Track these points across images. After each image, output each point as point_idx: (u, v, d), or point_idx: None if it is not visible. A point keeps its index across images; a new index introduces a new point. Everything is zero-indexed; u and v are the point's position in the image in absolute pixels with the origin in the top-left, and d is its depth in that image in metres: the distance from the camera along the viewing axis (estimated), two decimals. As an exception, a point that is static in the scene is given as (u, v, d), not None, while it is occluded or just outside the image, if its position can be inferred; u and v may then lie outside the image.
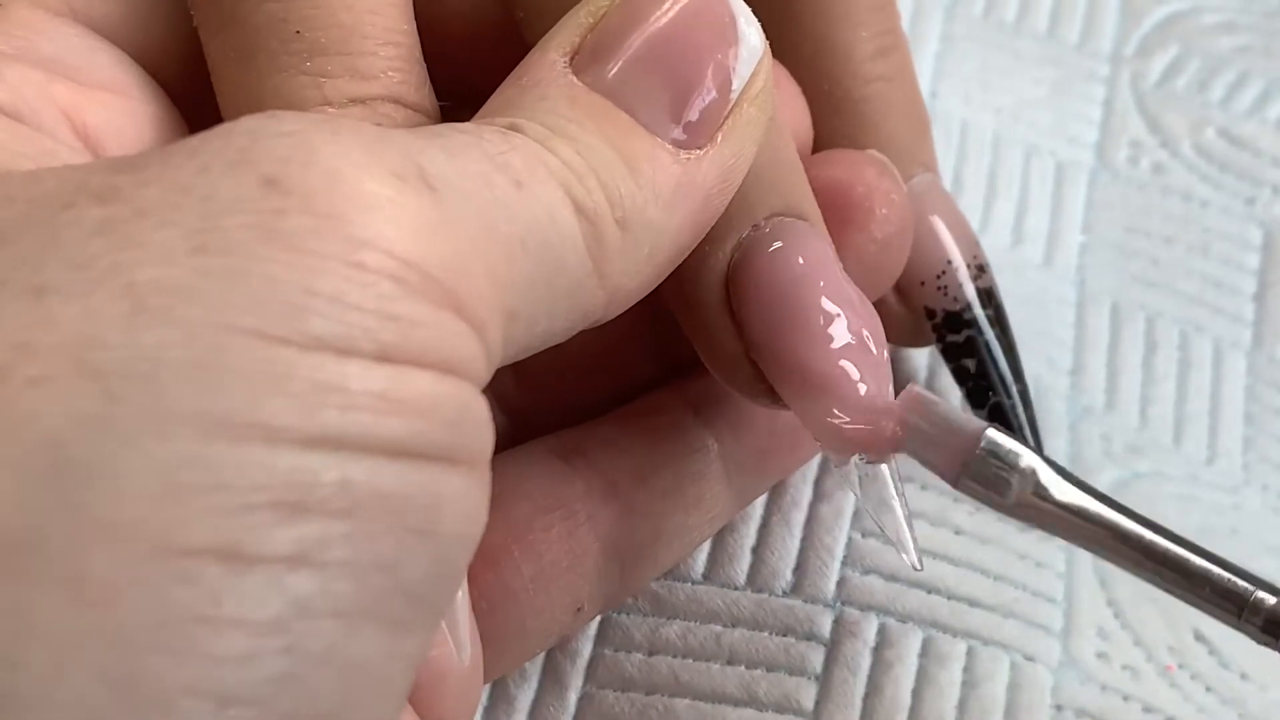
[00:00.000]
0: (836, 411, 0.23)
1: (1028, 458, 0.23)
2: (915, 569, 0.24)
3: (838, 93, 0.28)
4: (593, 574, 0.26)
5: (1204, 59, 0.38)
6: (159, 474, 0.15)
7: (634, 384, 0.27)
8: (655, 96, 0.21)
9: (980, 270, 0.30)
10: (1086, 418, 0.32)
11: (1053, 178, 0.36)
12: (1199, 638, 0.29)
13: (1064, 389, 0.33)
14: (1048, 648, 0.29)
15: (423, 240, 0.17)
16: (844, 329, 0.23)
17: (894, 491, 0.24)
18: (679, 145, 0.21)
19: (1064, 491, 0.23)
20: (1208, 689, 0.29)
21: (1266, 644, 0.23)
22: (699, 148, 0.21)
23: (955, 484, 0.23)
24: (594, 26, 0.21)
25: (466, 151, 0.19)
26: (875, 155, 0.27)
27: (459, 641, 0.22)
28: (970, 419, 0.24)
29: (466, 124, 0.20)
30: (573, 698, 0.28)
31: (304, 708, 0.16)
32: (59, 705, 0.14)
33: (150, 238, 0.16)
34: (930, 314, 0.30)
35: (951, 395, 0.31)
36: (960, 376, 0.30)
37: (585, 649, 0.29)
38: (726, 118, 0.21)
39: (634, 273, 0.20)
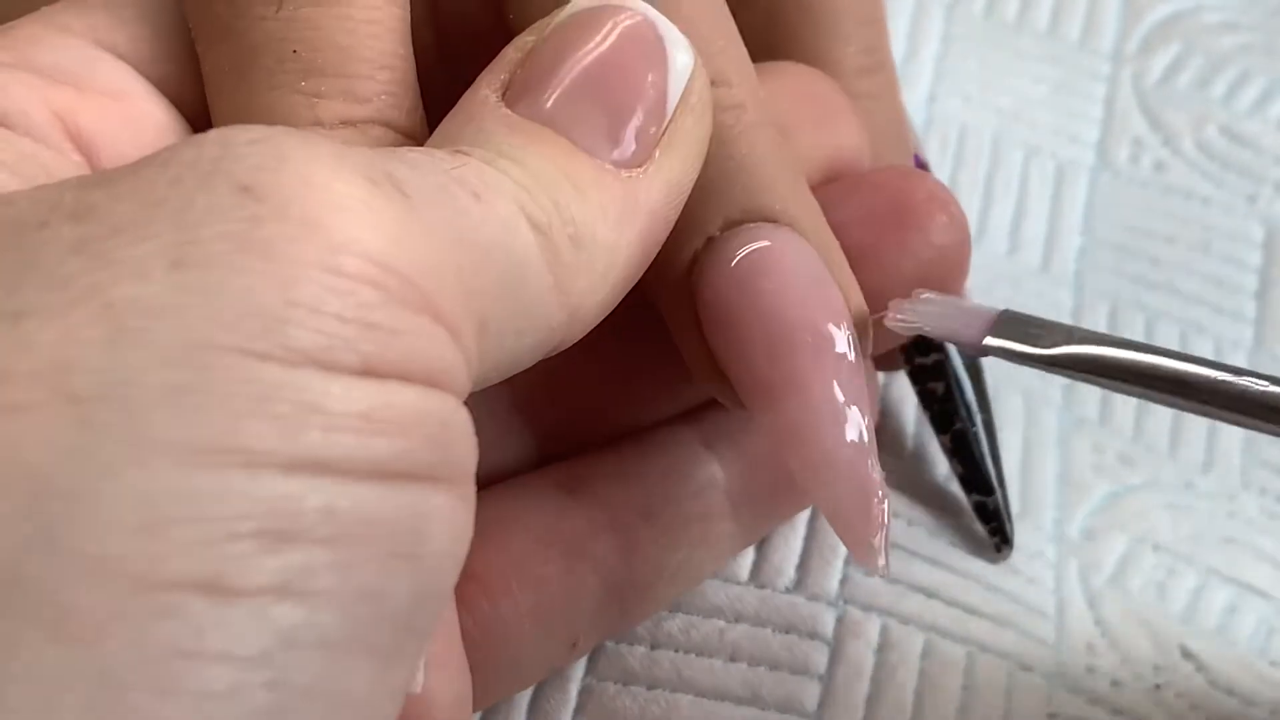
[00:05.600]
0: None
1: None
2: (880, 574, 0.23)
3: None
4: (590, 609, 0.25)
5: (1206, 57, 0.38)
6: (140, 505, 0.15)
7: (647, 419, 0.27)
8: (591, 121, 0.21)
9: None
10: (1079, 430, 0.32)
11: (1053, 178, 0.36)
12: (1186, 655, 0.29)
13: (1057, 401, 0.32)
14: (1042, 658, 0.29)
15: (399, 243, 0.17)
16: (808, 338, 0.22)
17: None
18: (620, 165, 0.21)
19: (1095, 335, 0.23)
20: (1193, 706, 0.29)
21: None
22: (639, 165, 0.21)
23: (980, 350, 0.22)
24: (523, 61, 0.21)
25: (425, 165, 0.19)
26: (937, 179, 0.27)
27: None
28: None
29: (417, 147, 0.20)
30: (574, 690, 0.28)
31: None
32: None
33: (127, 254, 0.16)
34: None
35: (921, 421, 0.31)
36: (926, 400, 0.30)
37: (587, 643, 0.29)
38: (663, 134, 0.21)
39: (591, 290, 0.20)
